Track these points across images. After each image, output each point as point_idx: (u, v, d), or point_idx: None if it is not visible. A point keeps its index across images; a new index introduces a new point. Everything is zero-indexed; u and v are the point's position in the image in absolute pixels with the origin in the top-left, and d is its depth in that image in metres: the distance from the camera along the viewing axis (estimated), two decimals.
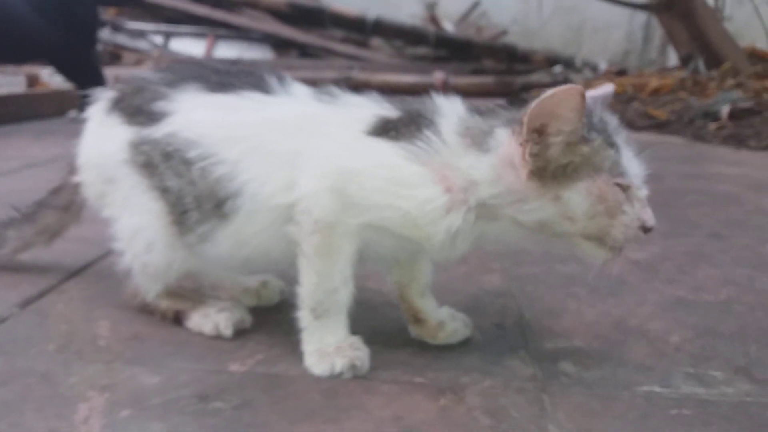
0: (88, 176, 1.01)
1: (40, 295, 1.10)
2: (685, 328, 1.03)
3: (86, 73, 3.40)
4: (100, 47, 6.15)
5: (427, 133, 0.82)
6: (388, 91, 0.90)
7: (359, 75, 5.71)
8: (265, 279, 1.08)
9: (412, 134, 0.83)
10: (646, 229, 0.79)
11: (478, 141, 0.82)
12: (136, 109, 0.93)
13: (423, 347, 0.96)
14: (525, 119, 0.76)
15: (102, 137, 0.97)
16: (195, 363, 0.89)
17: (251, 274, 1.09)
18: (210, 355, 0.91)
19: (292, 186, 0.84)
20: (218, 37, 6.71)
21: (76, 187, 1.05)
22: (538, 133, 0.76)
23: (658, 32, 6.23)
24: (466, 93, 5.60)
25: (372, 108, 0.88)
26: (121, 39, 6.47)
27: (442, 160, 0.82)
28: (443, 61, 6.49)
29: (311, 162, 0.84)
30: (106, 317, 1.02)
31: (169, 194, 0.91)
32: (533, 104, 0.75)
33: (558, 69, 5.80)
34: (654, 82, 4.03)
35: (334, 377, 0.86)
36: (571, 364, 0.91)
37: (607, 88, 0.89)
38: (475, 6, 7.18)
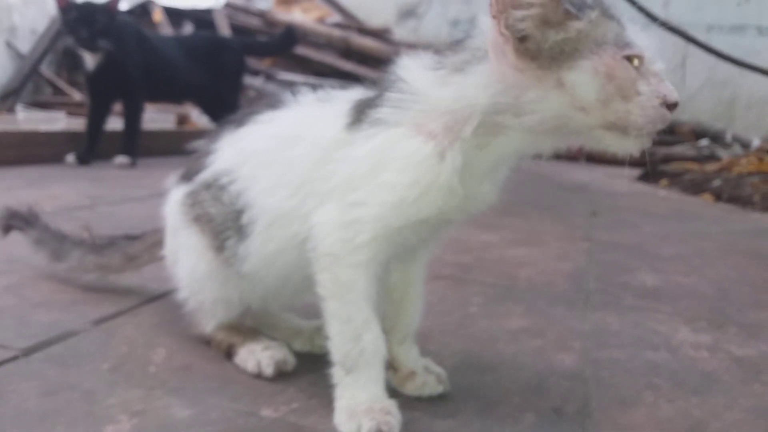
0: (168, 246, 1.08)
1: (116, 315, 1.16)
2: None
3: (229, 116, 3.66)
4: (252, 93, 6.64)
5: (392, 94, 0.81)
6: None
7: None
8: (320, 324, 1.07)
9: (378, 105, 0.82)
10: (669, 105, 0.72)
11: (457, 66, 0.79)
12: (195, 171, 1.01)
13: (470, 418, 0.89)
14: None
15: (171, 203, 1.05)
16: (231, 402, 0.89)
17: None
18: (248, 396, 0.91)
19: (295, 194, 0.86)
20: None
21: (152, 248, 1.15)
22: (509, 4, 0.72)
23: None
24: (602, 160, 5.33)
25: (355, 96, 0.88)
26: (272, 88, 6.93)
27: (415, 112, 0.79)
28: None
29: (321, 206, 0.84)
30: (166, 345, 1.05)
31: (212, 223, 0.95)
32: None
33: (704, 142, 5.44)
34: None
35: None
36: None
37: None
38: None
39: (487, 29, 0.76)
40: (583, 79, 0.72)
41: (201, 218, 0.97)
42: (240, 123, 0.97)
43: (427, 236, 0.88)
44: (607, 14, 0.74)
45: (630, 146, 0.75)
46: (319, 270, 0.84)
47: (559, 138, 0.80)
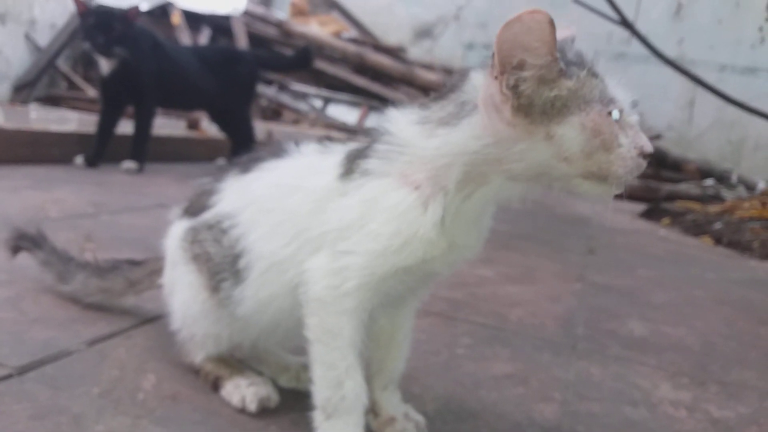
0: (166, 277, 1.11)
1: (110, 336, 1.19)
2: None
3: (238, 126, 3.71)
4: (264, 103, 6.69)
5: (380, 145, 0.85)
6: None
7: None
8: (307, 361, 1.10)
9: (367, 156, 0.85)
10: (645, 156, 0.77)
11: (443, 119, 0.82)
12: (198, 208, 1.04)
13: None
14: (495, 49, 0.74)
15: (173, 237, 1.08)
16: None
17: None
18: (231, 431, 0.93)
19: (291, 242, 0.89)
20: (371, 108, 7.04)
21: (152, 275, 1.18)
22: (511, 66, 0.75)
23: None
24: None
25: (349, 147, 0.91)
26: (285, 98, 6.99)
27: (401, 163, 0.83)
28: None
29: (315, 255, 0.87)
30: (156, 371, 1.08)
31: (210, 263, 0.98)
32: (499, 32, 0.73)
33: (709, 182, 5.47)
34: None
35: None
36: None
37: (569, 31, 0.85)
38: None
39: (479, 85, 0.79)
40: (571, 133, 0.76)
41: (200, 257, 1.00)
42: (245, 168, 1.00)
43: (413, 285, 0.91)
44: (593, 73, 0.78)
45: (606, 193, 0.79)
46: (308, 314, 0.87)
47: (539, 184, 0.83)
